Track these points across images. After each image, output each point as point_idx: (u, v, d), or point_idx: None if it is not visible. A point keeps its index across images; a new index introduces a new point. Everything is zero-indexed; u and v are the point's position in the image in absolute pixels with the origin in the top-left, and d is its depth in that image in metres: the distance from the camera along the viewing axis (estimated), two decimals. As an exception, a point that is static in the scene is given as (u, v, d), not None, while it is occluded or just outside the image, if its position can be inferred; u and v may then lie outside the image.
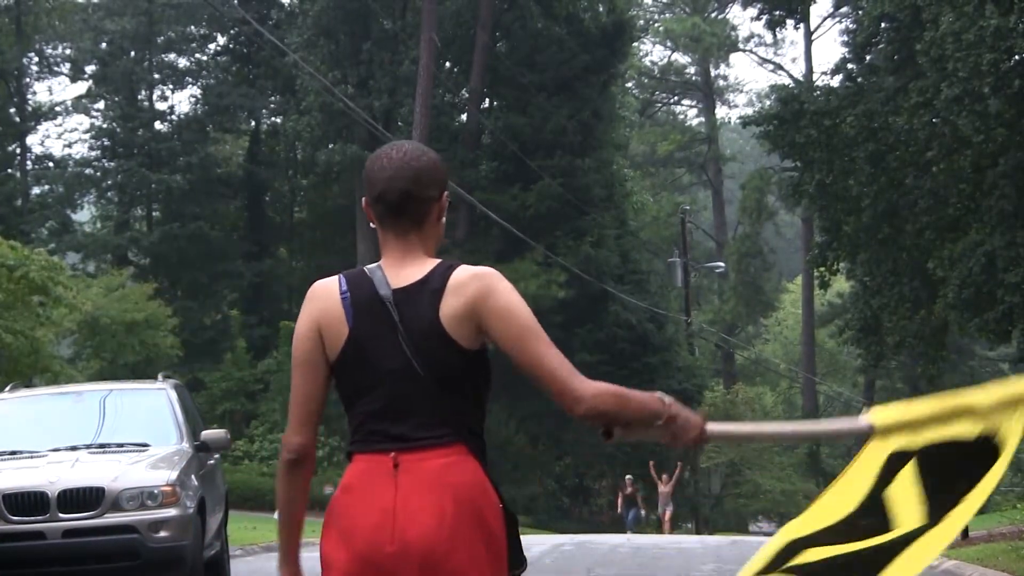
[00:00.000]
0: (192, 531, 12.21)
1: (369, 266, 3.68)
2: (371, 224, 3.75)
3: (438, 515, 3.47)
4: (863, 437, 4.03)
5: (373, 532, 3.47)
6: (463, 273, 3.61)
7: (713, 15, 70.15)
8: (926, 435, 3.95)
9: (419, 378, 3.54)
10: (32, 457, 12.74)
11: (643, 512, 39.16)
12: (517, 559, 3.69)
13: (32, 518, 11.82)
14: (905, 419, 3.97)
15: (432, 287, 3.58)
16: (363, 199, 3.77)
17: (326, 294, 3.62)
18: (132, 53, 54.61)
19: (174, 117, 55.94)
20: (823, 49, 70.61)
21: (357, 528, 3.49)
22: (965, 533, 21.31)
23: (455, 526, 3.49)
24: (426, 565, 3.46)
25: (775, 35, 65.09)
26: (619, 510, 39.63)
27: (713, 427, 3.79)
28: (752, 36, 70.49)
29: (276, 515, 3.80)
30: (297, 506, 3.68)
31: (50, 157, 57.71)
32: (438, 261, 3.67)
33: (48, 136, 66.33)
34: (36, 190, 56.16)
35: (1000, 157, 25.41)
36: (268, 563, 19.04)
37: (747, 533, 51.29)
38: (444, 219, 3.78)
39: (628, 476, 39.29)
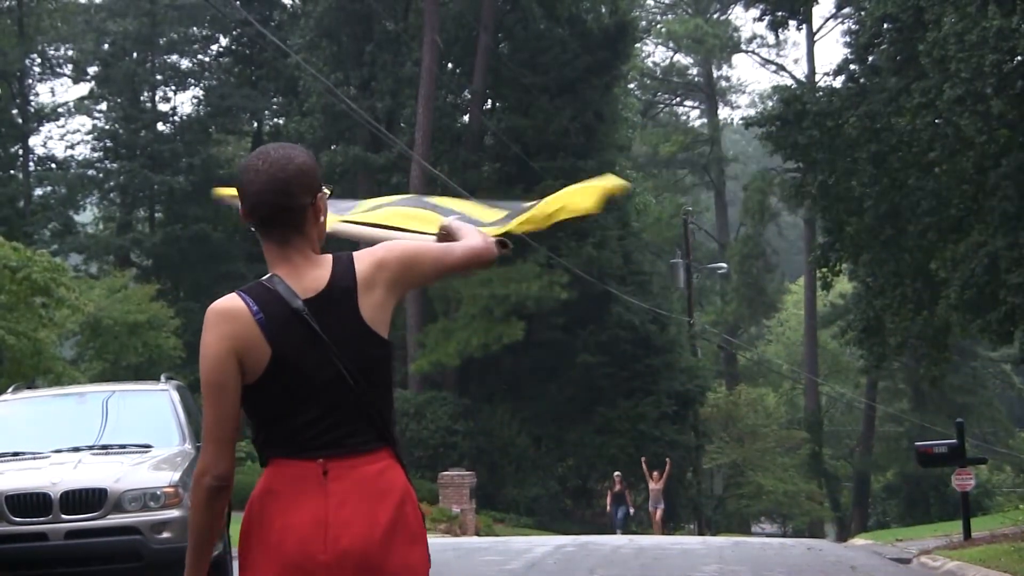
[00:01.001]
0: (194, 532, 12.20)
1: (265, 279, 3.63)
2: (251, 228, 3.71)
3: (371, 522, 3.47)
4: None
5: (304, 541, 3.44)
6: (365, 265, 3.60)
7: (715, 16, 70.17)
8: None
9: (349, 385, 3.51)
10: (35, 458, 12.75)
11: (632, 510, 38.48)
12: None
13: (35, 519, 11.83)
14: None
15: (343, 287, 3.56)
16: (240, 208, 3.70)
17: (236, 316, 3.55)
18: (134, 54, 54.65)
19: (176, 118, 55.99)
20: (825, 50, 70.82)
21: (286, 537, 3.45)
22: (968, 534, 21.31)
23: (388, 532, 3.49)
24: (363, 571, 3.45)
25: (777, 36, 64.97)
26: (607, 508, 39.02)
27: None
28: (754, 37, 70.47)
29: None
30: (215, 533, 3.62)
31: (53, 158, 57.74)
32: (332, 258, 3.64)
33: (51, 137, 66.53)
34: (38, 191, 56.15)
35: (1003, 158, 25.41)
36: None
37: (749, 534, 51.31)
38: (325, 216, 3.72)
39: (617, 473, 38.87)
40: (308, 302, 3.54)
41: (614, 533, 36.02)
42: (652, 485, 38.16)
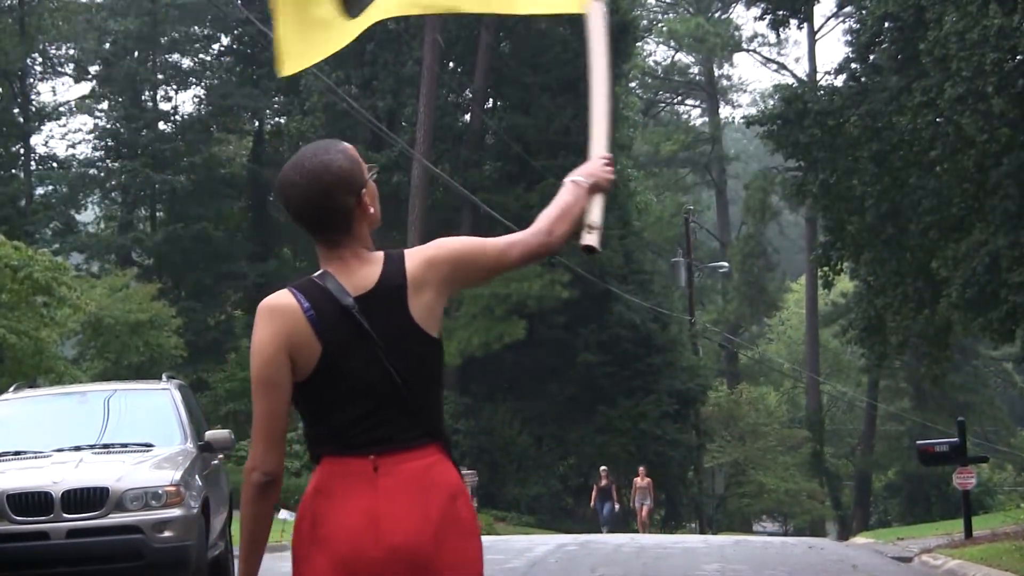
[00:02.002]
0: (196, 531, 12.22)
1: (317, 275, 3.62)
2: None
3: (422, 517, 3.47)
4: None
5: (356, 536, 3.45)
6: (416, 263, 3.60)
7: (717, 15, 70.16)
8: None
9: (396, 383, 3.52)
10: (36, 457, 12.76)
11: (618, 507, 37.96)
12: None
13: (36, 518, 11.82)
14: None
15: (393, 285, 3.56)
16: None
17: (288, 313, 3.55)
18: (136, 53, 54.68)
19: (178, 117, 56.02)
20: (827, 49, 70.83)
21: (338, 532, 3.47)
22: (969, 533, 21.31)
23: (440, 526, 3.50)
24: (414, 566, 3.46)
25: (779, 35, 64.87)
26: (592, 504, 38.55)
27: (604, 148, 4.28)
28: (756, 36, 70.40)
29: (240, 538, 3.71)
30: (266, 529, 3.64)
31: (54, 158, 57.79)
32: (384, 256, 3.63)
33: (52, 137, 66.58)
34: (40, 191, 56.17)
35: (1004, 157, 25.42)
36: (271, 563, 19.05)
37: (751, 533, 51.32)
38: (375, 206, 3.71)
39: (603, 467, 38.61)
40: (358, 299, 3.55)
41: (600, 531, 35.84)
42: (638, 482, 37.88)
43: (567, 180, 3.94)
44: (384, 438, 3.52)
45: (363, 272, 3.59)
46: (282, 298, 3.59)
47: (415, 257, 3.62)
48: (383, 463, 3.51)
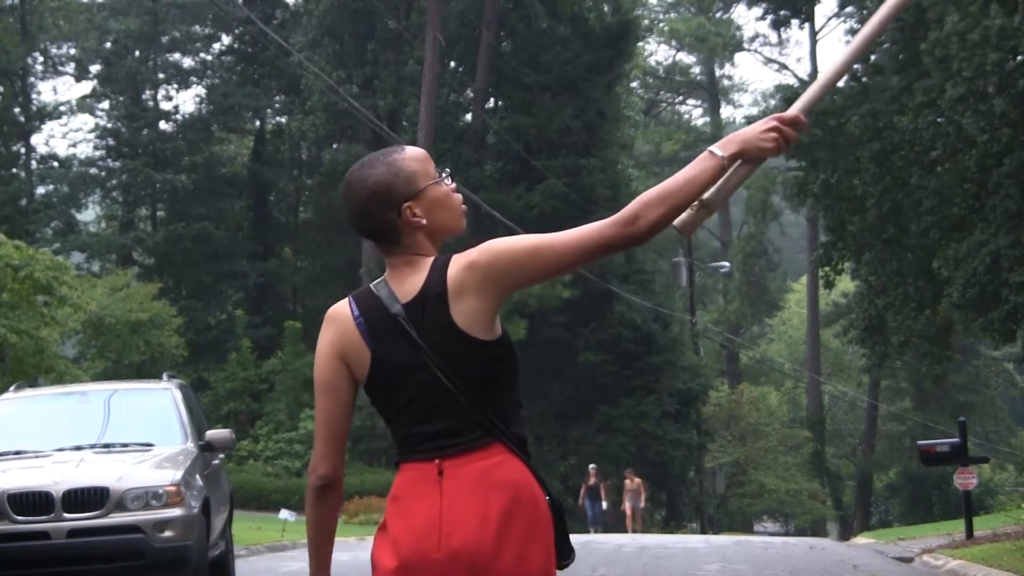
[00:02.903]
0: (197, 531, 12.23)
1: (376, 283, 3.64)
2: None
3: (482, 518, 3.44)
4: None
5: (420, 540, 3.45)
6: (457, 268, 3.55)
7: (718, 15, 70.19)
8: None
9: (445, 386, 3.52)
10: (37, 457, 12.76)
11: (605, 504, 37.50)
12: (565, 550, 3.63)
13: (37, 518, 11.83)
14: None
15: (435, 292, 3.55)
16: None
17: (341, 320, 3.60)
18: (137, 53, 54.73)
19: (179, 117, 56.06)
20: (828, 49, 70.90)
21: (405, 536, 3.48)
22: (970, 533, 21.32)
23: (501, 527, 3.45)
24: (475, 569, 3.44)
25: (780, 35, 65.17)
26: (580, 502, 38.12)
27: (798, 106, 3.69)
28: (757, 36, 70.57)
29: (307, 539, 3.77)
30: (330, 531, 3.68)
31: (55, 157, 57.78)
32: (431, 261, 3.61)
33: (53, 136, 66.62)
34: (41, 190, 56.19)
35: (1005, 157, 25.41)
36: (272, 563, 19.06)
37: (752, 533, 51.34)
38: (433, 214, 3.62)
39: (592, 465, 38.27)
40: (406, 307, 3.56)
41: (588, 530, 35.67)
42: (628, 484, 37.71)
43: (708, 149, 3.59)
44: (446, 441, 3.52)
45: (412, 280, 3.59)
46: (340, 306, 3.65)
47: (458, 262, 3.60)
48: (448, 466, 3.50)
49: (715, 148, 3.60)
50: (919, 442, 26.16)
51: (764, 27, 58.05)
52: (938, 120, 26.50)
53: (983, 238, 26.59)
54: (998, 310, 26.75)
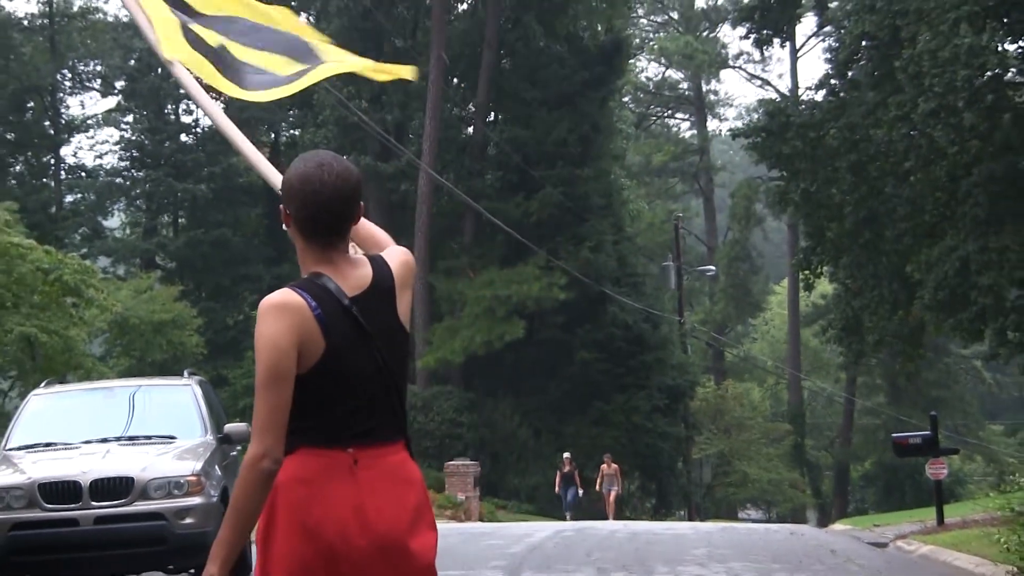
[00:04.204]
0: (216, 518, 12.21)
1: (312, 276, 3.56)
2: (284, 227, 3.66)
3: (400, 508, 3.49)
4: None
5: (342, 526, 3.43)
6: (397, 265, 3.61)
7: (705, 34, 70.14)
8: None
9: (385, 379, 3.52)
10: (66, 449, 12.77)
11: (581, 492, 37.00)
12: None
13: (66, 506, 11.84)
14: None
15: (384, 286, 3.56)
16: (283, 208, 3.64)
17: (298, 311, 3.48)
18: (159, 70, 54.60)
19: (198, 130, 55.99)
20: (808, 66, 71.10)
21: (325, 522, 3.43)
22: (941, 520, 21.31)
23: (414, 517, 3.53)
24: (393, 553, 3.47)
25: (763, 53, 64.80)
26: (556, 490, 37.61)
27: None
28: (741, 54, 70.49)
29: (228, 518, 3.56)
30: (258, 517, 3.53)
31: (82, 167, 57.83)
32: (367, 259, 3.63)
33: (80, 148, 66.70)
34: (69, 198, 56.23)
35: (973, 167, 25.44)
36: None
37: (736, 520, 51.31)
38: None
39: (566, 454, 38.08)
40: (355, 300, 3.53)
41: (564, 517, 35.43)
42: (605, 469, 37.40)
43: None
44: (365, 432, 3.50)
45: (356, 274, 3.56)
46: (289, 296, 3.51)
47: (395, 260, 3.62)
48: (362, 456, 3.49)
49: None
50: (893, 435, 26.18)
51: (748, 45, 57.92)
52: (911, 133, 26.51)
53: (953, 244, 26.60)
54: (967, 311, 26.77)
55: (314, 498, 3.46)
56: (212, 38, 5.02)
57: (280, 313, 3.48)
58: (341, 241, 3.60)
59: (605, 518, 35.09)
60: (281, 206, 3.65)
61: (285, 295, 3.52)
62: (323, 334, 3.48)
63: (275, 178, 4.21)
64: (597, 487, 37.37)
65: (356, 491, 3.47)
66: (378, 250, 3.81)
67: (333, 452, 3.49)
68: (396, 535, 3.48)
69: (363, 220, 3.79)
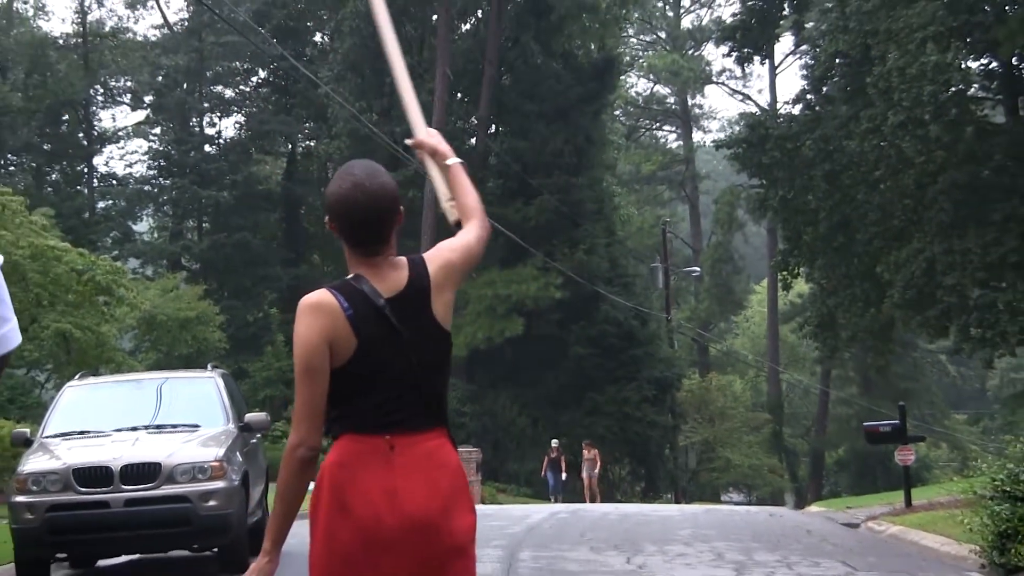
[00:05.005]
0: (237, 501, 12.23)
1: (351, 278, 3.59)
2: (331, 229, 3.67)
3: (432, 491, 3.48)
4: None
5: (375, 507, 3.44)
6: (436, 267, 3.59)
7: (690, 52, 70.08)
8: None
9: (415, 374, 3.52)
10: (98, 436, 12.76)
11: (565, 476, 36.87)
12: None
13: (98, 489, 11.84)
14: None
15: (419, 288, 3.56)
16: (327, 219, 3.65)
17: (329, 310, 3.51)
18: (185, 85, 54.71)
19: (221, 141, 56.04)
20: (785, 82, 70.83)
21: (359, 503, 3.45)
22: (909, 502, 21.31)
23: (446, 499, 3.51)
24: (425, 533, 3.47)
25: (744, 70, 65.18)
26: (543, 474, 37.44)
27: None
28: (724, 71, 70.41)
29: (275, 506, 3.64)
30: (301, 499, 3.59)
31: (113, 176, 57.87)
32: (406, 261, 3.62)
33: (112, 158, 66.43)
34: (101, 204, 56.27)
35: (939, 176, 25.47)
36: (303, 529, 19.06)
37: (719, 502, 51.31)
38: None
39: (555, 441, 38.02)
40: (389, 301, 3.53)
41: (549, 499, 35.31)
42: (586, 454, 37.33)
43: (455, 162, 3.93)
44: (399, 422, 3.52)
45: (394, 276, 3.57)
46: (324, 297, 3.55)
47: (434, 262, 3.61)
48: (399, 443, 3.50)
49: (455, 160, 3.91)
50: (864, 424, 26.17)
51: (730, 63, 57.92)
52: (881, 144, 26.52)
53: (920, 246, 26.61)
54: (933, 309, 26.79)
55: (351, 480, 3.48)
56: None
57: (314, 313, 3.53)
58: (382, 246, 3.60)
59: (583, 500, 35.12)
60: (326, 217, 3.68)
61: (320, 296, 3.57)
62: (354, 332, 3.50)
63: (418, 127, 4.12)
64: (581, 473, 37.37)
65: (390, 475, 3.48)
66: (464, 218, 3.84)
67: (371, 438, 3.50)
68: (427, 516, 3.47)
69: (464, 183, 3.85)
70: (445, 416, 3.64)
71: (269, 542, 3.60)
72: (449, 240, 3.77)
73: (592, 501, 35.15)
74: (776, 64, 62.01)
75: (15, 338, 1.95)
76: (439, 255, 3.65)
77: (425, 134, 4.02)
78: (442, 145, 3.98)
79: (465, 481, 3.63)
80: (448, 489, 3.53)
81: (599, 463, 37.82)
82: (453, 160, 3.93)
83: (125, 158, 68.43)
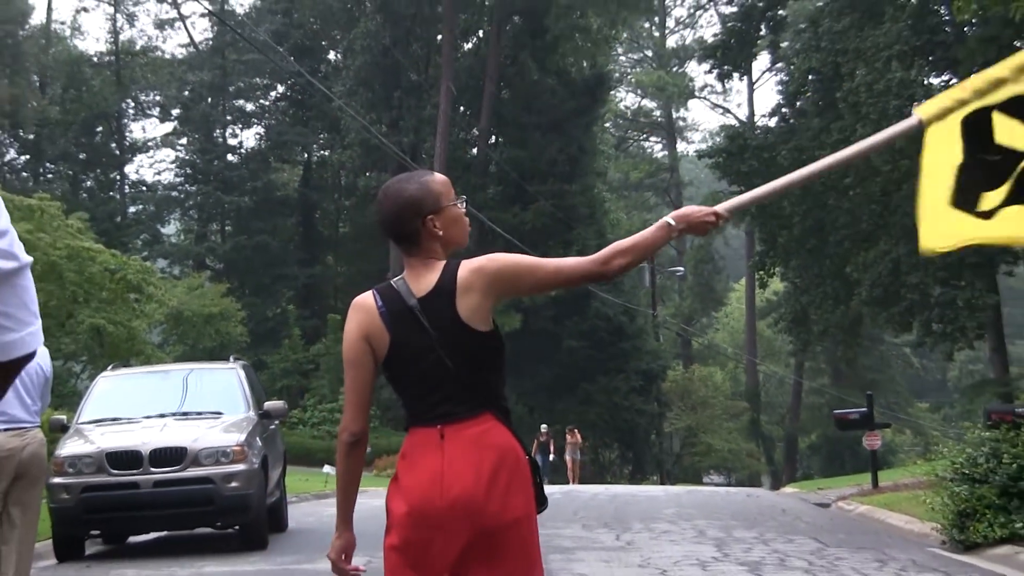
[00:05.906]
0: (257, 482, 12.23)
1: (396, 279, 3.63)
2: None
3: (476, 473, 3.46)
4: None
5: (425, 490, 3.46)
6: (466, 271, 3.56)
7: (675, 69, 70.06)
8: (983, 101, 3.35)
9: (448, 366, 3.52)
10: (129, 423, 12.77)
11: (551, 458, 36.55)
12: (541, 499, 3.68)
13: (129, 471, 11.85)
14: (948, 103, 3.50)
15: (446, 290, 3.56)
16: None
17: (367, 308, 3.58)
18: (209, 99, 54.69)
19: (243, 151, 56.00)
20: (762, 96, 70.80)
21: (413, 487, 3.48)
22: (876, 484, 21.33)
23: (491, 480, 3.47)
24: (470, 513, 3.45)
25: (724, 85, 64.94)
26: (532, 456, 37.66)
27: (726, 205, 3.76)
28: (706, 86, 70.35)
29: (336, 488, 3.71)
30: (357, 479, 3.64)
31: (143, 183, 57.82)
32: (444, 264, 3.60)
33: (142, 166, 66.57)
34: (132, 209, 56.22)
35: (904, 183, 25.45)
36: (318, 508, 19.08)
37: (701, 484, 51.35)
38: (451, 229, 3.62)
39: (544, 426, 37.97)
40: (420, 300, 3.54)
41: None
42: (569, 439, 37.29)
43: (664, 219, 3.64)
44: (447, 411, 3.52)
45: (427, 277, 3.58)
46: (365, 297, 3.62)
47: (467, 266, 3.60)
48: (448, 431, 3.50)
49: (671, 220, 3.63)
50: (835, 411, 26.20)
51: (711, 79, 57.94)
52: (850, 154, 26.50)
53: (886, 248, 26.62)
54: (898, 306, 26.79)
55: (408, 468, 3.52)
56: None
57: (354, 310, 3.61)
58: (414, 249, 3.61)
59: (567, 480, 35.20)
60: None
61: (362, 296, 3.64)
62: (387, 329, 3.54)
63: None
64: (565, 456, 37.28)
65: (440, 461, 3.48)
66: (609, 248, 3.67)
67: (425, 429, 3.53)
68: (471, 496, 3.45)
69: (645, 233, 3.63)
70: (495, 400, 3.61)
71: (338, 520, 3.68)
72: (514, 255, 3.66)
73: (574, 481, 35.23)
74: (754, 80, 61.99)
75: (33, 342, 1.93)
76: (478, 261, 3.64)
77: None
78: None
79: (516, 458, 3.56)
80: (492, 468, 3.49)
81: (582, 447, 37.84)
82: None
83: (154, 166, 68.73)
